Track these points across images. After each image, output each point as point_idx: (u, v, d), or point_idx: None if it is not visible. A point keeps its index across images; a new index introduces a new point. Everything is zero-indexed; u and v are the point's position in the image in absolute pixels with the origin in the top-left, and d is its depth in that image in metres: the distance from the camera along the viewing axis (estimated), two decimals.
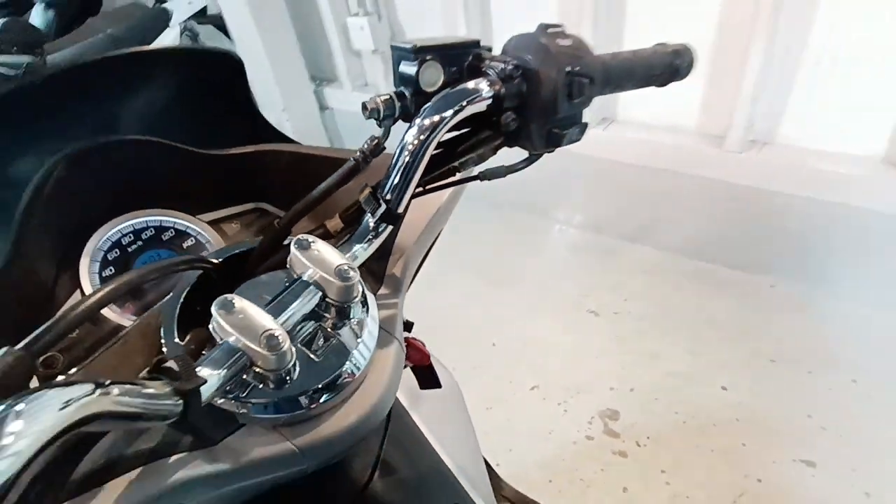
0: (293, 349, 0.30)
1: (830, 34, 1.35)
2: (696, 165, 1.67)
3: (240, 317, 0.29)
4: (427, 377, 0.61)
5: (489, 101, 0.38)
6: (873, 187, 1.42)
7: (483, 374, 1.48)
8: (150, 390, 0.24)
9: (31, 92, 0.38)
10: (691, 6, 1.50)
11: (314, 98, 2.49)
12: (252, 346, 0.28)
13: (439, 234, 0.53)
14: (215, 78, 0.49)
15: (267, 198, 0.53)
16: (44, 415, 0.19)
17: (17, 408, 0.19)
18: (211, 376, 0.27)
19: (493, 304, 1.74)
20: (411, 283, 0.49)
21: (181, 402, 0.25)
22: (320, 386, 0.34)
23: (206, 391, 0.27)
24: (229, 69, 0.49)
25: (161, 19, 1.69)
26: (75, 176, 0.40)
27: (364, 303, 0.37)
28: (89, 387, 0.21)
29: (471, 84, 0.38)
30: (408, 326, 0.58)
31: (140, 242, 0.45)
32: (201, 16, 1.86)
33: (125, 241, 0.44)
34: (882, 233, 1.45)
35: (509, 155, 0.44)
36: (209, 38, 2.00)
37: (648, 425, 1.31)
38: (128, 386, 0.23)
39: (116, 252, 0.43)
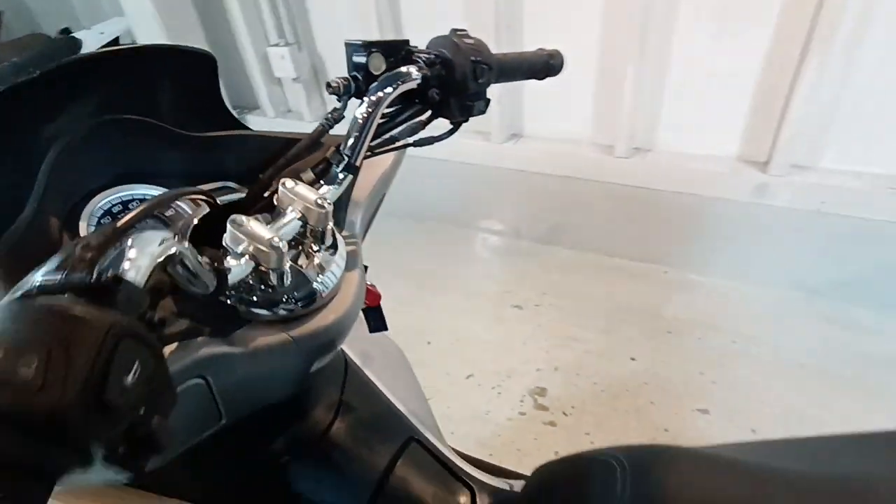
0: (287, 254, 0.40)
1: (689, 55, 1.65)
2: (593, 171, 1.92)
3: (248, 229, 0.38)
4: (377, 319, 0.71)
5: (419, 81, 0.51)
6: (733, 180, 1.72)
7: (421, 368, 1.54)
8: (204, 258, 0.33)
9: (32, 84, 0.45)
10: (578, 34, 1.76)
11: None
12: (260, 247, 0.37)
13: (384, 196, 0.64)
14: (195, 73, 0.57)
15: (233, 178, 0.61)
16: (149, 245, 0.28)
17: (131, 237, 0.28)
18: (234, 266, 0.36)
19: (427, 308, 1.85)
20: (366, 232, 0.59)
21: (215, 280, 0.34)
22: (307, 292, 0.43)
23: (232, 277, 0.36)
24: (208, 66, 0.57)
25: (69, 48, 1.68)
26: (83, 150, 0.47)
27: (333, 235, 0.48)
28: (172, 234, 0.30)
29: (404, 69, 0.51)
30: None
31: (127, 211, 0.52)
32: (114, 45, 1.86)
33: (115, 210, 0.51)
34: (742, 218, 1.76)
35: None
36: None
37: (572, 397, 1.47)
38: (191, 247, 0.32)
39: (108, 219, 0.50)
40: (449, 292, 1.93)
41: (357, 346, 0.75)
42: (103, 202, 0.51)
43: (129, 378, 0.24)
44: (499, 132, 2.01)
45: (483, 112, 0.56)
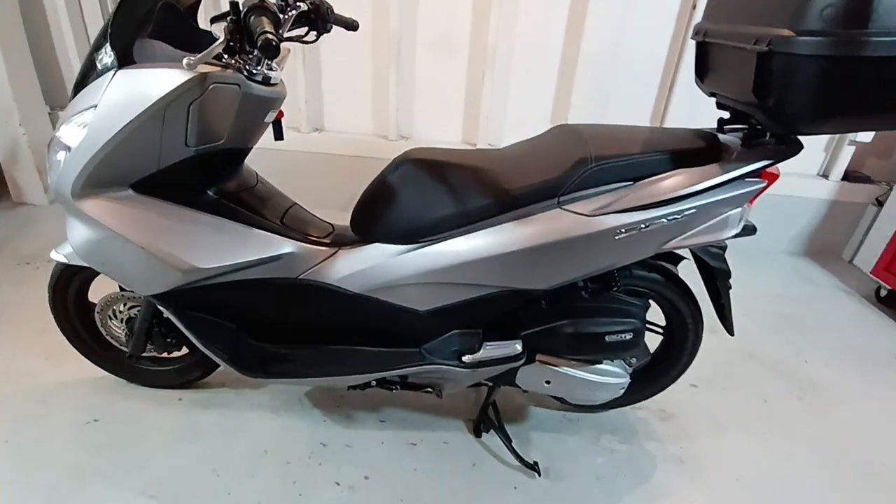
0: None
1: (425, 72, 2.65)
2: (375, 152, 2.76)
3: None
4: (279, 129, 1.33)
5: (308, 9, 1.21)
6: None
7: None
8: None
9: None
10: (354, 54, 2.63)
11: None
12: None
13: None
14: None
15: None
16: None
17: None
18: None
19: None
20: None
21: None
22: (269, 77, 1.10)
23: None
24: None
25: None
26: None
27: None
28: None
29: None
30: None
31: None
32: None
33: None
34: None
35: None
36: None
37: None
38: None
39: None
40: None
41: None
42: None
43: None
44: (306, 126, 2.73)
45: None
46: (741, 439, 1.58)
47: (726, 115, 1.24)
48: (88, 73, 1.04)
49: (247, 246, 1.19)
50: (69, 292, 1.43)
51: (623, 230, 1.09)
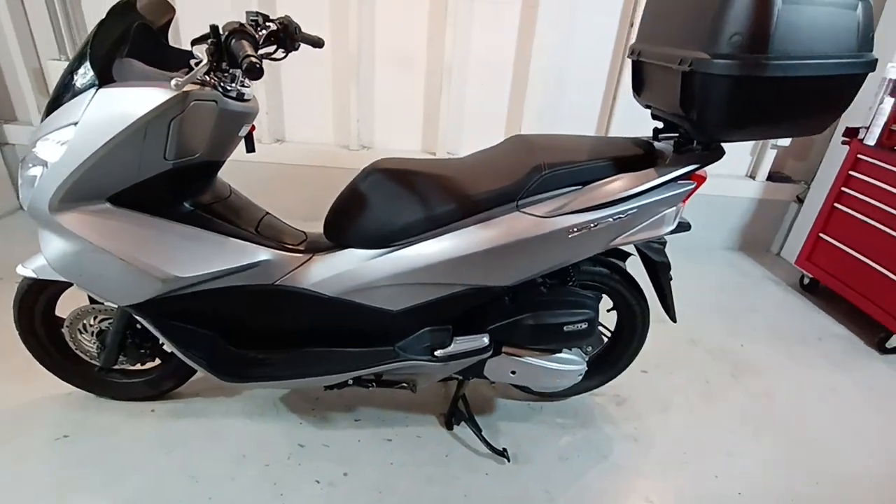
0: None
1: (381, 83, 2.74)
2: (338, 162, 2.82)
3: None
4: (250, 142, 1.38)
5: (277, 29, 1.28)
6: None
7: None
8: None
9: None
10: (314, 69, 2.70)
11: None
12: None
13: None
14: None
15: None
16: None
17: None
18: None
19: None
20: None
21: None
22: (242, 94, 1.16)
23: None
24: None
25: None
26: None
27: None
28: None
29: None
30: None
31: None
32: None
33: None
34: None
35: None
36: None
37: None
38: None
39: None
40: None
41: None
42: None
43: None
44: (267, 136, 2.76)
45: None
46: (687, 417, 1.74)
47: (660, 125, 1.39)
48: (65, 92, 1.07)
49: (224, 254, 1.24)
50: (36, 308, 1.43)
51: (575, 229, 1.21)
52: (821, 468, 1.58)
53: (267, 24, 1.26)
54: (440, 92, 2.70)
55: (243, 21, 1.30)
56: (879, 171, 2.21)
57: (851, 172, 2.34)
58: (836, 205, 2.41)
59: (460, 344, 1.33)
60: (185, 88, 1.04)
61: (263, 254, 1.29)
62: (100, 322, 1.45)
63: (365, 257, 1.28)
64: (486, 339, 1.34)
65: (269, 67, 2.64)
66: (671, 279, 1.48)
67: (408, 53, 2.65)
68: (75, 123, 1.03)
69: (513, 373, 1.42)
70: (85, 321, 1.45)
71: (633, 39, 2.56)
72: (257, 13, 1.29)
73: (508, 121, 2.85)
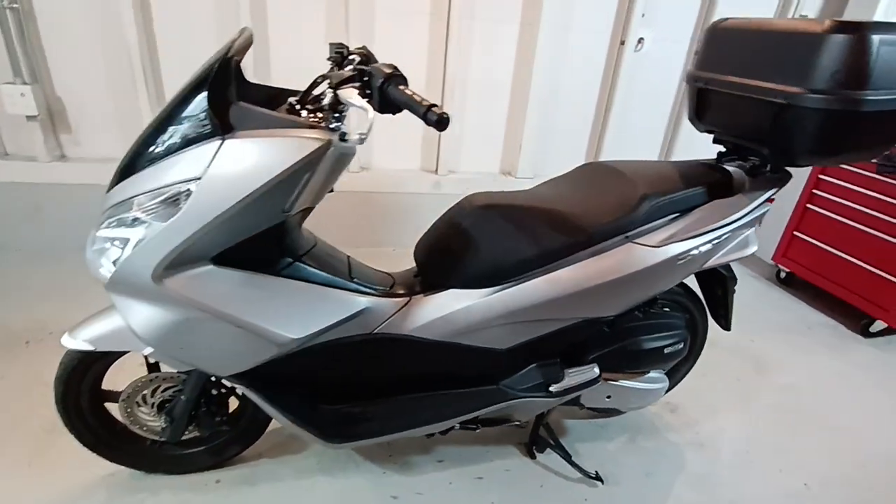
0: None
1: None
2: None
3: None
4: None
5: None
6: (418, 181, 2.79)
7: None
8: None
9: None
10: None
11: None
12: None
13: None
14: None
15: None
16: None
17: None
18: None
19: None
20: None
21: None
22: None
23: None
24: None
25: None
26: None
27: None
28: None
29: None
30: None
31: None
32: None
33: None
34: (431, 205, 2.83)
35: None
36: None
37: None
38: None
39: None
40: None
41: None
42: None
43: None
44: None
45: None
46: (734, 416, 1.86)
47: (722, 148, 1.48)
48: (159, 145, 0.93)
49: (329, 308, 1.15)
50: (84, 384, 1.24)
51: (682, 257, 1.25)
52: (861, 451, 1.76)
53: (351, 55, 1.18)
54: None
55: (329, 52, 1.22)
56: (846, 173, 2.49)
57: (821, 176, 2.61)
58: (808, 205, 2.69)
59: (574, 377, 1.33)
60: (320, 134, 0.94)
61: (363, 302, 1.20)
62: (163, 392, 1.28)
63: (472, 297, 1.24)
64: (596, 370, 1.34)
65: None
66: (735, 292, 1.57)
67: (408, 74, 2.59)
68: (197, 179, 0.90)
69: (608, 397, 1.44)
70: (145, 392, 1.27)
71: (626, 59, 2.69)
72: (341, 44, 1.21)
73: (506, 141, 2.88)
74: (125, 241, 0.96)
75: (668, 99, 2.94)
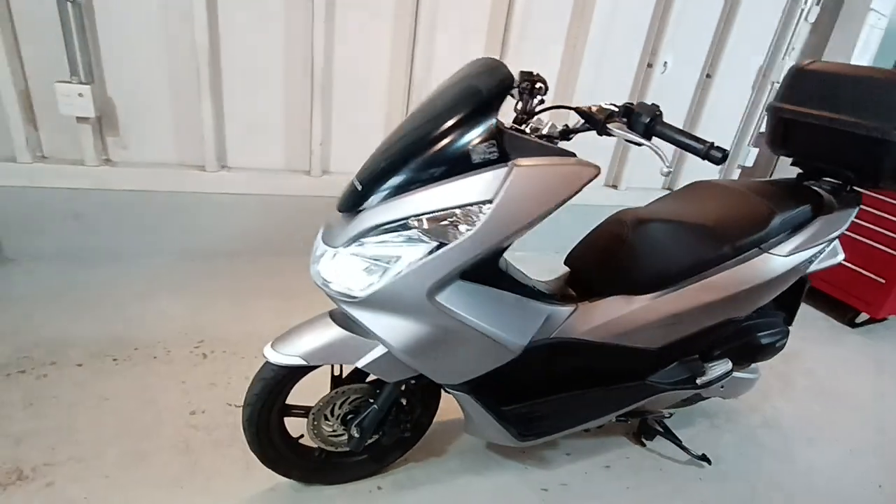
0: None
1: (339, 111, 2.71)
2: (297, 190, 2.67)
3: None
4: None
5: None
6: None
7: None
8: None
9: None
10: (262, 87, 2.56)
11: None
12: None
13: None
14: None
15: None
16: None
17: None
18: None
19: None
20: None
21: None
22: None
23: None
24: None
25: None
26: None
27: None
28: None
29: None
30: None
31: None
32: None
33: None
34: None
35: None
36: None
37: None
38: None
39: None
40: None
41: None
42: None
43: None
44: (213, 164, 2.55)
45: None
46: (784, 400, 2.15)
47: (800, 170, 1.73)
48: (433, 166, 0.99)
49: (531, 316, 1.25)
50: (278, 400, 1.25)
51: (804, 264, 1.48)
52: (879, 420, 2.10)
53: (538, 84, 1.28)
54: (401, 114, 2.62)
55: (517, 80, 1.30)
56: None
57: None
58: None
59: (714, 370, 1.51)
60: (589, 165, 1.05)
61: (547, 310, 1.31)
62: (349, 403, 1.32)
63: (636, 303, 1.38)
64: (730, 364, 1.54)
65: (211, 89, 2.29)
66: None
67: (368, 76, 2.52)
68: (488, 202, 0.97)
69: (722, 387, 1.64)
70: (333, 405, 1.30)
71: (654, 78, 2.95)
72: (530, 73, 1.30)
73: None
74: (394, 260, 1.01)
75: (680, 117, 3.25)
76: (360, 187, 1.07)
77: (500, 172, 0.98)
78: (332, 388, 1.30)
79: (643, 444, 1.76)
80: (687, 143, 1.02)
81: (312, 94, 2.41)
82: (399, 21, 2.44)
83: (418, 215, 0.99)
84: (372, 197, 1.05)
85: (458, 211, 0.98)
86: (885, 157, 1.46)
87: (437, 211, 0.99)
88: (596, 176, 1.04)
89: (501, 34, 2.59)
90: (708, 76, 3.12)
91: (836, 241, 1.63)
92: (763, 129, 3.12)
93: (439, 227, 0.99)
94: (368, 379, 1.36)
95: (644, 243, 1.38)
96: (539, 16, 2.62)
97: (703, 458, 1.70)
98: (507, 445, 1.40)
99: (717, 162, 1.01)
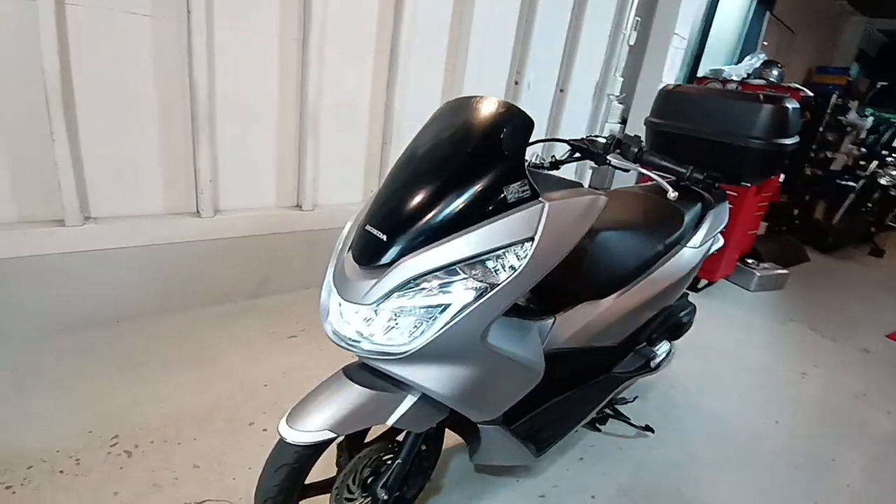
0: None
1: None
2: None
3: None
4: None
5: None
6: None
7: None
8: None
9: None
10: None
11: None
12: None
13: None
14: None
15: None
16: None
17: None
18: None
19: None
20: None
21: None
22: None
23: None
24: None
25: None
26: None
27: None
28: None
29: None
30: None
31: None
32: None
33: None
34: None
35: None
36: None
37: None
38: None
39: None
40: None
41: None
42: None
43: None
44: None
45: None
46: (679, 363, 2.56)
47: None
48: (468, 210, 0.98)
49: (535, 334, 1.31)
50: (300, 482, 1.10)
51: (707, 251, 1.80)
52: (747, 359, 2.66)
53: None
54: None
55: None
56: None
57: None
58: None
59: (661, 352, 1.74)
60: (598, 192, 1.13)
61: (537, 325, 1.39)
62: (370, 466, 1.22)
63: (602, 305, 1.54)
64: (668, 344, 1.79)
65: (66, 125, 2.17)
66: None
67: (258, 103, 2.43)
68: (530, 239, 0.99)
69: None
70: (356, 472, 1.19)
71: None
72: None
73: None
74: (441, 308, 0.97)
75: (543, 127, 3.63)
76: (384, 237, 1.00)
77: (534, 210, 1.01)
78: (341, 454, 1.20)
79: (599, 430, 1.95)
80: (672, 168, 1.19)
81: (195, 126, 2.12)
82: (285, 45, 2.29)
83: (465, 260, 0.97)
84: (400, 247, 0.99)
85: (502, 251, 0.99)
86: (744, 160, 1.85)
87: (484, 254, 0.98)
88: (606, 203, 1.14)
89: (388, 57, 2.60)
90: (561, 90, 3.55)
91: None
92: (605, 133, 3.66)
93: (487, 269, 0.99)
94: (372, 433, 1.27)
95: (601, 251, 1.54)
96: (422, 39, 2.69)
97: (647, 427, 1.96)
98: (517, 465, 1.44)
99: (697, 183, 1.20)
